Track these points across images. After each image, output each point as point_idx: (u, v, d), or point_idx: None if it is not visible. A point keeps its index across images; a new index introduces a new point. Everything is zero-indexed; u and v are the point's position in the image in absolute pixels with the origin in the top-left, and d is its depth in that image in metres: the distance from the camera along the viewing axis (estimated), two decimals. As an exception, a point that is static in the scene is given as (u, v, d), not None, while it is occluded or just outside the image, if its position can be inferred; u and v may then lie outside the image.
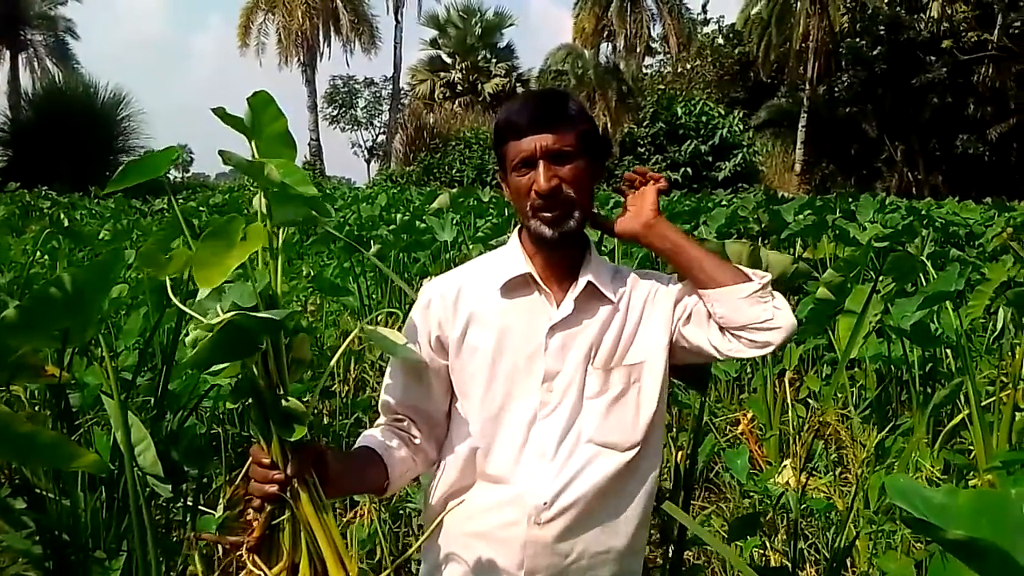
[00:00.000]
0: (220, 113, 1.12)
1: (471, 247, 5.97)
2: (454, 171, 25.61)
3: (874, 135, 29.85)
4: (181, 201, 11.98)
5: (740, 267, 1.38)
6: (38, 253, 6.38)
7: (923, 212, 8.20)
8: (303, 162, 26.90)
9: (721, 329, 1.34)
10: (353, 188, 21.40)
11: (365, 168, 44.70)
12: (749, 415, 3.83)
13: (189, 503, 2.37)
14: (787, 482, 3.05)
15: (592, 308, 1.36)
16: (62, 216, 7.97)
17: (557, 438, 1.31)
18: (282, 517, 1.08)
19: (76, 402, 2.24)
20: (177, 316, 1.99)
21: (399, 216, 6.47)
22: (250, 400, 1.09)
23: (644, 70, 34.27)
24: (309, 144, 31.17)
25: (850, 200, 8.91)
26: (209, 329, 0.97)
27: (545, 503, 1.29)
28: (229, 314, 0.96)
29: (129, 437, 1.76)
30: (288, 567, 1.08)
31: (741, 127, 27.01)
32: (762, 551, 2.73)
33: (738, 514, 2.93)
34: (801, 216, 6.66)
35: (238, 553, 1.07)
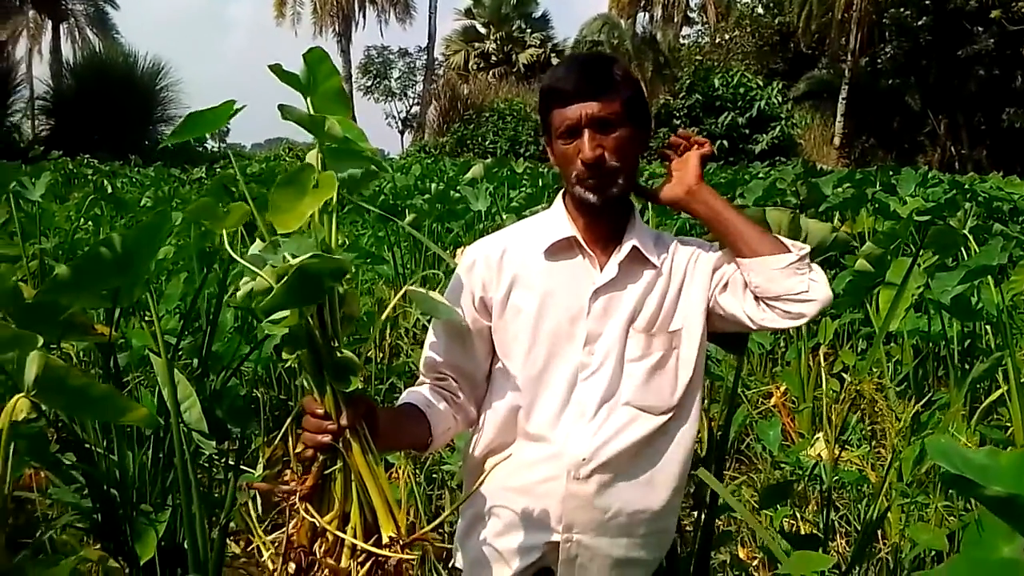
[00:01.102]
0: (277, 70, 1.15)
1: (505, 217, 5.98)
2: (487, 142, 25.53)
3: (917, 108, 29.08)
4: (219, 169, 12.12)
5: (780, 238, 1.38)
6: (82, 219, 6.53)
7: (966, 186, 8.01)
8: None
9: (756, 299, 1.35)
10: (387, 159, 21.46)
11: (399, 139, 44.73)
12: (782, 388, 3.82)
13: (230, 463, 2.45)
14: (819, 454, 3.05)
15: (636, 272, 1.37)
16: (106, 183, 8.12)
17: (597, 400, 1.34)
18: (334, 467, 1.11)
19: (123, 361, 2.31)
20: (220, 281, 2.04)
21: (433, 186, 6.48)
22: (303, 352, 1.12)
23: (681, 40, 33.71)
24: (342, 112, 31.25)
25: (891, 173, 8.74)
26: (277, 276, 1.00)
27: (584, 459, 1.31)
28: (301, 258, 0.99)
29: (176, 394, 1.82)
30: (339, 516, 1.11)
31: (780, 99, 26.50)
32: (792, 521, 2.74)
33: (769, 484, 2.93)
34: (840, 189, 6.55)
35: (291, 502, 1.11)
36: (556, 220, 1.41)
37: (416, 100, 39.04)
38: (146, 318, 2.97)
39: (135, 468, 1.95)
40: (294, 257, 1.06)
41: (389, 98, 43.16)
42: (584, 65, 1.37)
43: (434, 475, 2.80)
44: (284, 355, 1.11)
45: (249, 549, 2.83)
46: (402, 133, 42.92)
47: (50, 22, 33.92)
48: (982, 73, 26.87)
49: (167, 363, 1.77)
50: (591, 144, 1.29)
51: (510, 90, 29.56)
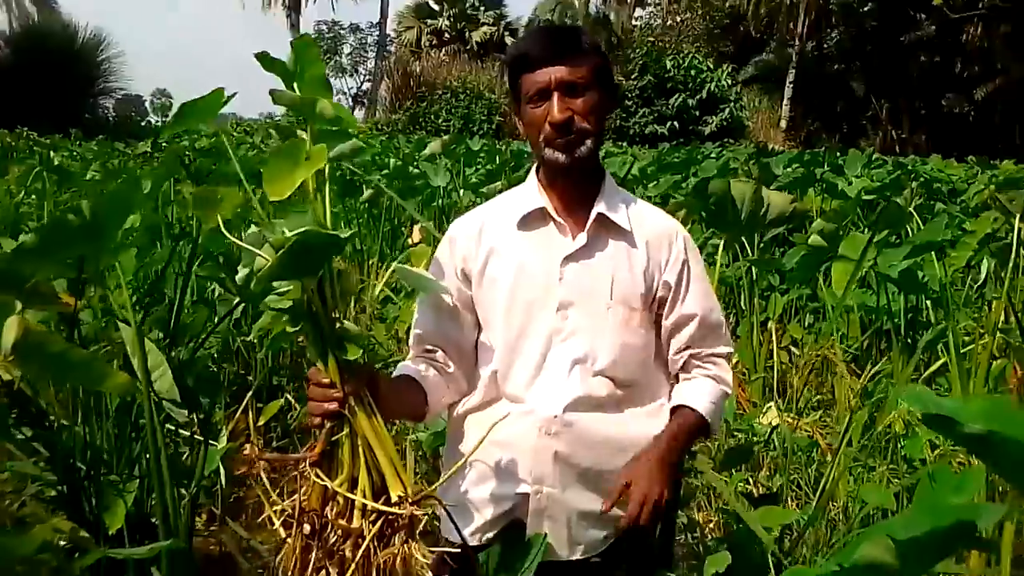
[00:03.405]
0: (262, 58, 1.18)
1: (462, 194, 5.99)
2: (440, 120, 25.33)
3: (861, 93, 29.78)
4: (166, 144, 11.81)
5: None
6: (23, 193, 6.32)
7: (909, 168, 8.29)
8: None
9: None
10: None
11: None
12: (733, 360, 3.93)
13: (196, 433, 2.44)
14: (771, 422, 3.17)
15: (607, 240, 1.42)
16: (52, 156, 7.87)
17: (570, 362, 1.39)
18: (341, 434, 1.15)
19: (86, 331, 2.28)
20: (190, 254, 2.03)
21: (392, 162, 6.44)
22: (306, 325, 1.16)
23: (634, 22, 33.85)
24: (293, 90, 30.65)
25: (838, 155, 8.98)
26: (278, 247, 1.03)
27: (555, 416, 1.37)
28: (300, 229, 1.02)
29: (146, 363, 1.81)
30: (348, 479, 1.15)
31: (729, 82, 26.83)
32: (746, 485, 2.85)
33: (727, 449, 3.04)
34: (790, 169, 6.72)
35: (301, 468, 1.14)
36: (528, 193, 1.45)
37: (367, 77, 38.54)
38: (98, 292, 2.92)
39: (103, 438, 1.93)
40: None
41: (340, 74, 42.51)
42: (552, 31, 1.42)
43: (399, 445, 2.84)
44: (287, 328, 1.14)
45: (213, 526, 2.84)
46: (352, 110, 42.24)
47: (-17, -10, 32.45)
48: (923, 59, 27.63)
49: (137, 331, 1.76)
50: (560, 106, 1.34)
51: (463, 68, 29.29)
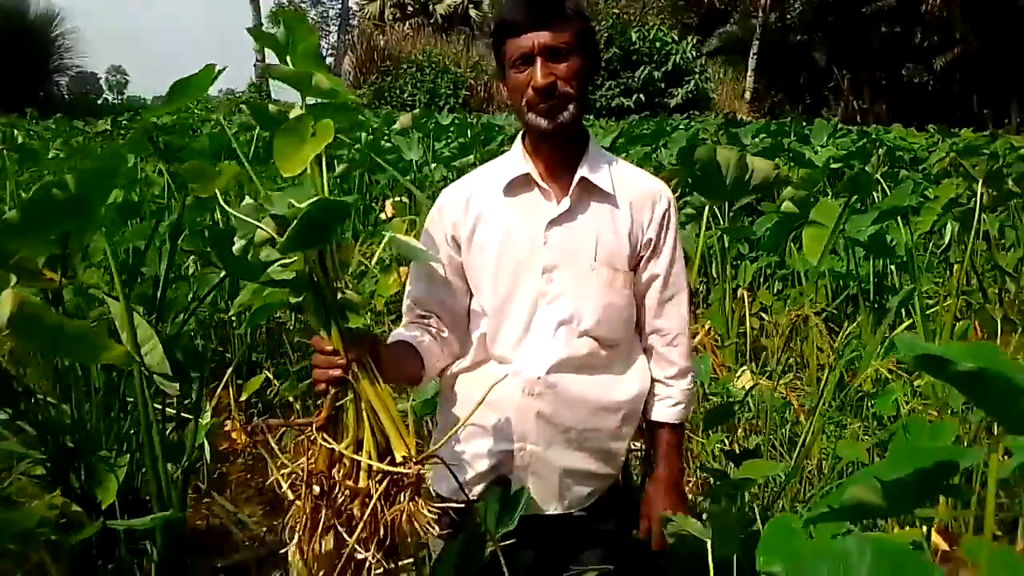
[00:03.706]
0: (254, 32, 1.19)
1: (434, 168, 5.97)
2: (406, 95, 25.05)
3: (823, 63, 30.03)
4: (125, 122, 11.57)
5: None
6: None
7: (873, 137, 8.43)
8: (249, 84, 25.99)
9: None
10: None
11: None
12: (707, 326, 4.02)
13: (185, 406, 2.45)
14: (744, 386, 3.25)
15: (590, 203, 1.45)
16: (16, 134, 7.67)
17: (555, 324, 1.43)
18: (345, 399, 1.19)
19: (69, 308, 2.27)
20: (172, 231, 2.01)
21: (363, 136, 6.39)
22: (308, 295, 1.20)
23: (598, -7, 33.64)
24: (255, 65, 30.10)
25: (804, 124, 9.10)
26: (285, 222, 1.05)
27: (538, 377, 1.42)
28: (308, 202, 1.04)
29: (135, 337, 1.81)
30: (354, 442, 1.19)
31: (694, 54, 26.91)
32: (722, 446, 2.93)
33: (702, 414, 3.12)
34: (757, 139, 6.80)
35: (307, 432, 1.18)
36: (514, 159, 1.48)
37: (329, 51, 37.91)
38: (82, 269, 2.89)
39: (93, 414, 1.93)
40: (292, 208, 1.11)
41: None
42: None
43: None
44: (290, 299, 1.17)
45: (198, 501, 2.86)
46: (315, 86, 41.59)
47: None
48: (884, 30, 27.91)
49: (126, 306, 1.76)
50: (543, 71, 1.36)
51: (428, 41, 28.97)
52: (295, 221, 1.04)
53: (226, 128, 5.91)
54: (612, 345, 1.47)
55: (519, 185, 1.46)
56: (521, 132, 1.52)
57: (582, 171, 1.44)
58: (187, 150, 4.36)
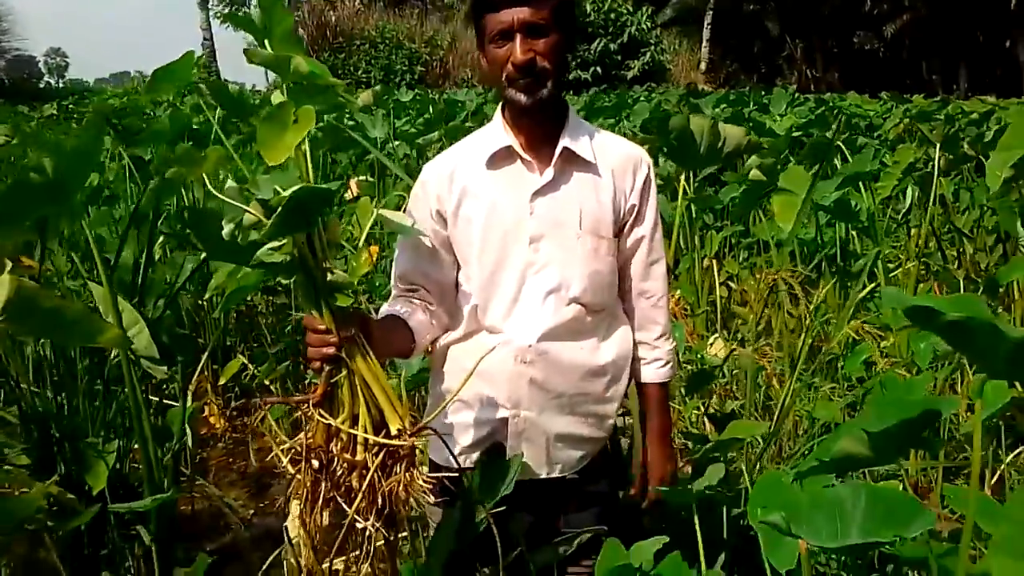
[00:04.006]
0: (232, 18, 1.19)
1: (397, 146, 5.93)
2: (360, 72, 24.71)
3: (776, 33, 30.34)
4: (72, 106, 11.25)
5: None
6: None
7: (830, 104, 8.58)
8: (196, 63, 25.36)
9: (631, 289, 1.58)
10: (255, 92, 20.46)
11: (263, 71, 42.48)
12: (677, 295, 4.09)
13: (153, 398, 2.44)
14: (717, 353, 3.33)
15: (573, 173, 1.48)
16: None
17: (544, 292, 1.47)
18: (339, 375, 1.21)
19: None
20: (152, 214, 1.99)
21: (325, 115, 6.29)
22: (298, 276, 1.22)
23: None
24: (202, 44, 29.34)
25: (763, 94, 9.22)
26: (271, 208, 1.06)
27: (529, 345, 1.45)
28: (293, 188, 1.05)
29: (121, 322, 1.80)
30: (350, 417, 1.22)
31: (649, 25, 26.95)
32: (698, 412, 3.01)
33: (677, 382, 3.19)
34: (719, 109, 6.87)
35: (305, 409, 1.20)
36: (495, 132, 1.50)
37: (280, 28, 37.07)
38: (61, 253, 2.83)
39: (82, 401, 1.92)
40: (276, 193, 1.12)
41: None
42: None
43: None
44: (281, 280, 1.18)
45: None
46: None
47: None
48: (834, -2, 28.26)
49: (110, 290, 1.74)
50: (523, 47, 1.37)
51: (380, 17, 28.54)
52: (279, 207, 1.05)
53: (182, 109, 5.78)
54: (597, 310, 1.51)
55: (501, 158, 1.48)
56: (500, 104, 1.54)
57: (564, 141, 1.46)
58: (146, 133, 4.27)
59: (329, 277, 1.22)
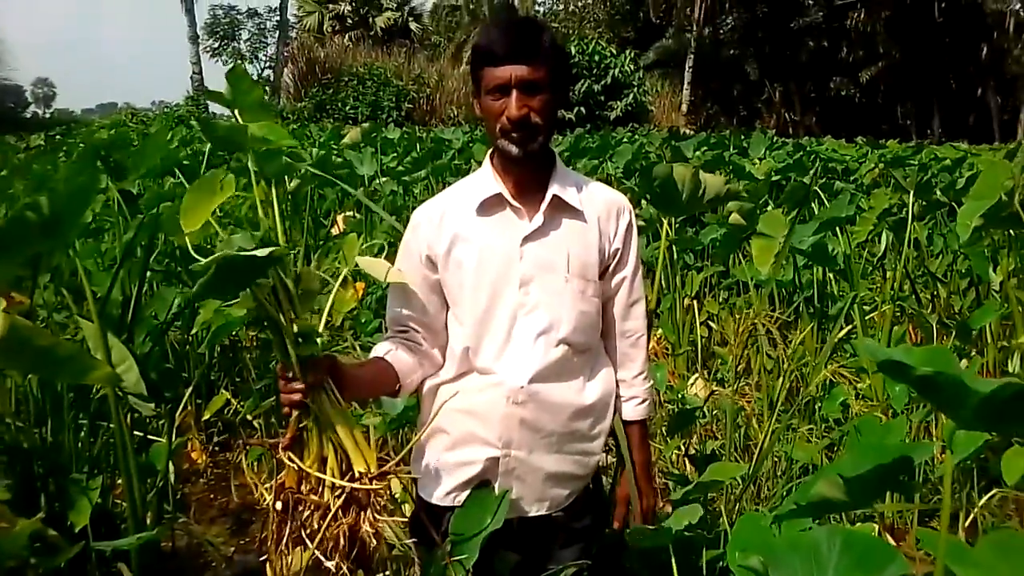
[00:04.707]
0: (209, 94, 1.30)
1: (383, 183, 5.99)
2: (348, 108, 24.87)
3: (755, 77, 31.01)
4: (59, 137, 11.26)
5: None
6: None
7: (808, 148, 8.77)
8: (185, 97, 25.45)
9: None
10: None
11: (249, 104, 42.49)
12: (659, 334, 4.14)
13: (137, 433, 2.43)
14: (697, 393, 3.37)
15: (561, 219, 1.55)
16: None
17: (534, 334, 1.52)
18: (307, 420, 1.28)
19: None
20: (146, 248, 2.02)
21: (314, 151, 6.36)
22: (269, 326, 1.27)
23: (537, 7, 34.09)
24: (192, 78, 29.46)
25: (742, 137, 9.42)
26: (195, 274, 1.12)
27: (521, 386, 1.50)
28: (218, 254, 1.11)
29: (110, 359, 1.82)
30: (319, 459, 1.28)
31: (632, 67, 27.39)
32: (679, 452, 3.04)
33: (659, 422, 3.22)
34: (700, 152, 7.01)
35: (275, 453, 1.25)
36: (484, 180, 1.57)
37: (268, 63, 37.30)
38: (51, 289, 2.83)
39: (68, 438, 1.92)
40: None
41: (238, 61, 41.06)
42: (517, 29, 1.51)
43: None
44: (250, 333, 1.24)
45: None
46: (253, 98, 40.84)
47: None
48: (812, 44, 29.02)
49: (100, 327, 1.76)
50: (518, 103, 1.44)
51: (368, 54, 28.84)
52: (204, 274, 1.10)
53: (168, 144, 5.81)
54: (583, 351, 1.56)
55: (492, 205, 1.54)
56: (489, 152, 1.60)
57: (553, 189, 1.53)
58: (134, 172, 4.29)
59: (295, 328, 1.28)
